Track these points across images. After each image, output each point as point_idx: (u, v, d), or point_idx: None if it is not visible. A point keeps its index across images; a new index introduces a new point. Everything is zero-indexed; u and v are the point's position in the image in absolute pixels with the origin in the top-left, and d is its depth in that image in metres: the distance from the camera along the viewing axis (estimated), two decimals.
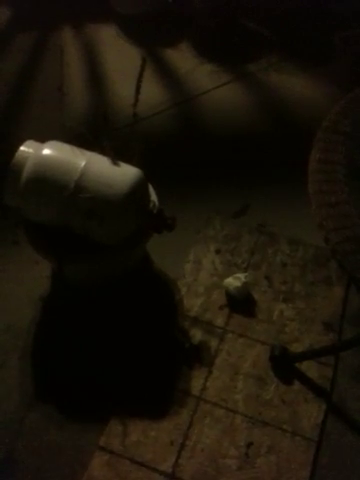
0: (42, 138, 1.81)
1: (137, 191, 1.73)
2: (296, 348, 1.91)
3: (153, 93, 2.84)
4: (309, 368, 1.87)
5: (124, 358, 1.88)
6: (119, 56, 3.08)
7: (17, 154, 1.70)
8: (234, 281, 2.01)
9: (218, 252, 2.19)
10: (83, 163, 1.69)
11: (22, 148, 1.72)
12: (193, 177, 2.45)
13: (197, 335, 1.94)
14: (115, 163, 1.75)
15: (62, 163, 1.69)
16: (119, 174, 1.72)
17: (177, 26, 3.26)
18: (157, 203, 1.88)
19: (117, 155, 1.83)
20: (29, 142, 1.76)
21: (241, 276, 2.02)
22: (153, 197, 1.89)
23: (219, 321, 1.98)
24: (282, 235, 2.24)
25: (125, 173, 1.73)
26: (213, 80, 2.93)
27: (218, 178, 2.46)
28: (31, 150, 1.72)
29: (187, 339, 1.93)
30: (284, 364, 1.87)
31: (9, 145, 1.77)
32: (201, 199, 2.38)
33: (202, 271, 2.12)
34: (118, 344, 1.92)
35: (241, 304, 2.02)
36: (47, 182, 1.65)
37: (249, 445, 1.71)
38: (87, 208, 1.68)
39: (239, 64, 3.05)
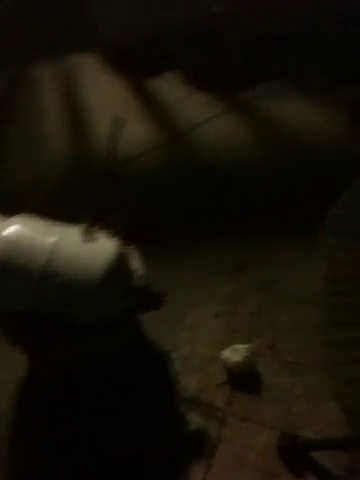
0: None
1: (115, 271, 1.52)
2: (307, 432, 1.68)
3: (141, 129, 2.63)
4: (322, 455, 1.64)
5: (115, 452, 1.67)
6: (105, 91, 2.85)
7: None
8: (233, 355, 1.79)
9: (217, 316, 1.97)
10: (52, 243, 1.48)
11: None
12: (187, 229, 2.22)
13: (195, 420, 1.72)
14: (91, 239, 1.54)
15: (28, 245, 1.48)
16: (93, 254, 1.51)
17: (164, 53, 3.03)
18: (143, 276, 1.66)
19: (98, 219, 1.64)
20: None
21: (241, 348, 1.80)
22: (139, 269, 1.67)
23: (219, 402, 1.76)
24: (289, 293, 2.01)
25: (100, 252, 1.52)
26: (206, 111, 2.70)
27: (216, 229, 2.23)
28: None
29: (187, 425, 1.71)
30: (295, 454, 1.64)
31: None
32: (197, 255, 2.15)
33: (199, 340, 1.90)
34: (107, 433, 1.71)
35: (243, 380, 1.80)
36: (10, 271, 1.44)
37: None
38: (58, 294, 1.47)
39: (233, 92, 2.82)
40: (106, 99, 2.81)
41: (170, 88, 2.86)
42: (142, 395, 1.78)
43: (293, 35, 2.81)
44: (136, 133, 2.63)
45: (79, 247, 1.51)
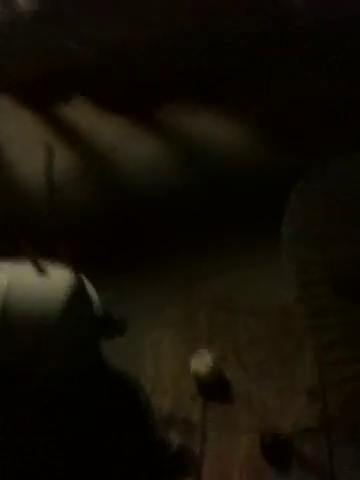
0: None
1: (75, 301, 1.46)
2: (284, 428, 1.71)
3: (60, 157, 2.56)
4: (304, 446, 1.68)
5: None
6: (13, 125, 2.75)
7: None
8: (202, 364, 1.79)
9: (176, 335, 1.95)
10: (5, 282, 1.40)
11: None
12: (127, 252, 2.18)
13: (176, 439, 1.69)
14: (42, 272, 1.47)
15: None
16: (50, 288, 1.44)
17: (71, 82, 2.98)
18: (100, 305, 1.62)
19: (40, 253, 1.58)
20: None
21: (208, 357, 1.80)
22: (95, 298, 1.62)
23: (196, 416, 1.74)
24: (241, 308, 2.03)
25: (56, 284, 1.46)
26: (121, 133, 2.69)
27: (155, 248, 2.22)
28: None
29: (168, 445, 1.67)
30: (278, 451, 1.67)
31: None
32: (145, 280, 2.11)
33: (164, 360, 1.88)
34: (89, 469, 1.62)
35: (214, 388, 1.80)
36: None
37: None
38: (20, 335, 1.39)
39: (146, 113, 2.84)
40: (18, 133, 2.72)
41: (82, 115, 2.82)
42: (118, 424, 1.72)
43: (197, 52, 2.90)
44: (55, 163, 2.58)
45: (34, 282, 1.44)
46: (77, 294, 1.47)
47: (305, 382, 1.82)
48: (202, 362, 1.80)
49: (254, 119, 2.73)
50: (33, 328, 1.39)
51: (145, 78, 2.85)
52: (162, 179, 2.50)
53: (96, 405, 1.73)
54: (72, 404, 1.70)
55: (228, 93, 2.88)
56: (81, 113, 2.84)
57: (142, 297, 2.02)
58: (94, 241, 2.15)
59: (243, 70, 2.88)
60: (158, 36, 2.89)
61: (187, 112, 2.80)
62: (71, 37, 2.92)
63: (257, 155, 2.57)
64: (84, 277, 1.71)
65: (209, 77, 2.92)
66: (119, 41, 2.91)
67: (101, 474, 1.62)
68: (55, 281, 1.46)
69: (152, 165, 2.58)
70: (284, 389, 1.81)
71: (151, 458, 1.65)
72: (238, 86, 2.81)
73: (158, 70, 2.87)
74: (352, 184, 1.46)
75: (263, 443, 1.66)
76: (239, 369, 1.86)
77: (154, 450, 1.67)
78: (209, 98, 2.91)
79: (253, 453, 1.67)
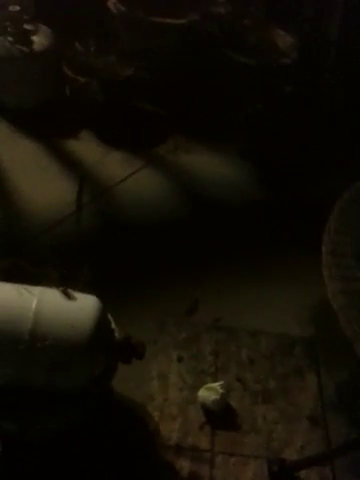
0: None
1: (101, 323, 1.51)
2: (290, 454, 1.78)
3: (64, 190, 2.64)
4: (309, 473, 1.74)
5: None
6: (18, 154, 2.83)
7: None
8: (210, 394, 1.84)
9: (181, 360, 2.01)
10: (34, 304, 1.44)
11: None
12: (130, 279, 2.25)
13: (185, 467, 1.72)
14: (69, 295, 1.52)
15: (9, 310, 1.42)
16: (77, 308, 1.49)
17: (75, 114, 3.09)
18: (118, 329, 1.66)
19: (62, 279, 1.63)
20: None
21: (216, 386, 1.86)
22: (113, 323, 1.67)
23: (204, 443, 1.78)
24: (240, 328, 2.13)
25: (83, 306, 1.50)
26: (125, 168, 2.81)
27: (157, 275, 2.30)
28: None
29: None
30: (285, 477, 1.72)
31: None
32: (146, 302, 2.19)
33: (170, 387, 1.92)
34: None
35: (221, 417, 1.85)
36: None
37: None
38: (49, 358, 1.42)
39: (147, 148, 2.98)
40: (26, 164, 2.78)
41: (86, 148, 2.92)
42: (126, 453, 1.74)
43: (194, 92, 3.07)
44: (59, 193, 2.65)
45: (61, 307, 1.47)
46: (102, 318, 1.52)
47: (306, 408, 1.90)
48: (212, 391, 1.85)
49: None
50: (60, 350, 1.42)
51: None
52: (165, 210, 2.63)
53: (104, 431, 1.76)
54: (83, 430, 1.71)
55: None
56: (86, 147, 2.94)
57: (142, 320, 2.07)
58: (102, 265, 2.21)
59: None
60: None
61: (182, 150, 2.97)
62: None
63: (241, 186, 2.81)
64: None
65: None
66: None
67: None
68: (82, 305, 1.50)
69: (149, 198, 2.69)
70: (288, 415, 1.88)
71: None
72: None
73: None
74: None
75: (271, 469, 1.71)
76: (245, 397, 1.91)
77: (165, 477, 1.70)
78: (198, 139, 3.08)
79: (259, 476, 1.71)
